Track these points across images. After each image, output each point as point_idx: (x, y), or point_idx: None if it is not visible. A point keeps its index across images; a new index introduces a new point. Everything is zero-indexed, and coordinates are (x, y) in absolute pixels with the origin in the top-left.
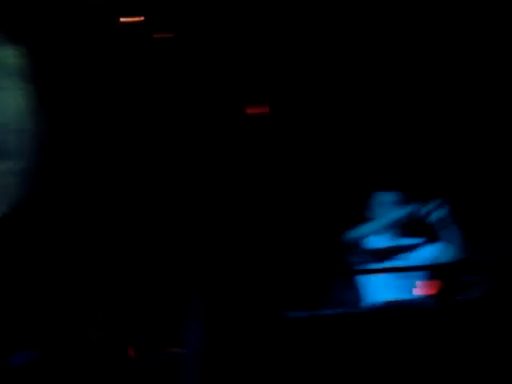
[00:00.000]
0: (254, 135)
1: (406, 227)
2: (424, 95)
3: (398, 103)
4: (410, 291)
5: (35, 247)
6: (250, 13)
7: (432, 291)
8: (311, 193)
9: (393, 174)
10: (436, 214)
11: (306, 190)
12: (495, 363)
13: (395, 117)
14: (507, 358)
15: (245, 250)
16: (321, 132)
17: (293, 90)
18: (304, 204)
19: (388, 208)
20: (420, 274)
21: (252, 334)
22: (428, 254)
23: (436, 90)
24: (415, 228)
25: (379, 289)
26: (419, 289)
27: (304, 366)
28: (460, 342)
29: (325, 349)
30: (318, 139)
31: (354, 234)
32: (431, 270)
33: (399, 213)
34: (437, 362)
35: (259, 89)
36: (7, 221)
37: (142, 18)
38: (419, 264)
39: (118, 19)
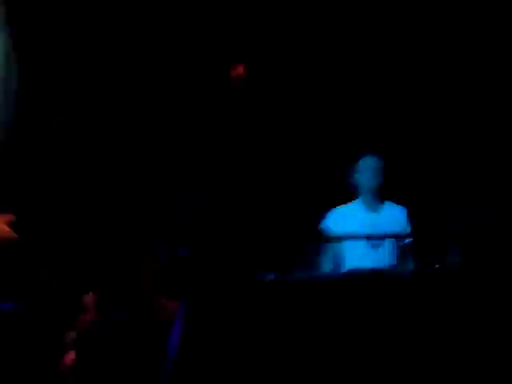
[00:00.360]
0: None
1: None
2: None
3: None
4: (382, 261)
5: None
6: None
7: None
8: (287, 161)
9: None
10: None
11: (280, 158)
12: (463, 330)
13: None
14: (472, 324)
15: (220, 218)
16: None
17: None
18: (279, 171)
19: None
20: (391, 243)
21: (227, 296)
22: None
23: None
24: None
25: (352, 257)
26: (390, 258)
27: (277, 328)
28: (428, 310)
29: (297, 312)
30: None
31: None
32: (401, 239)
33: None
34: (406, 329)
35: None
36: None
37: None
38: (390, 233)
39: None
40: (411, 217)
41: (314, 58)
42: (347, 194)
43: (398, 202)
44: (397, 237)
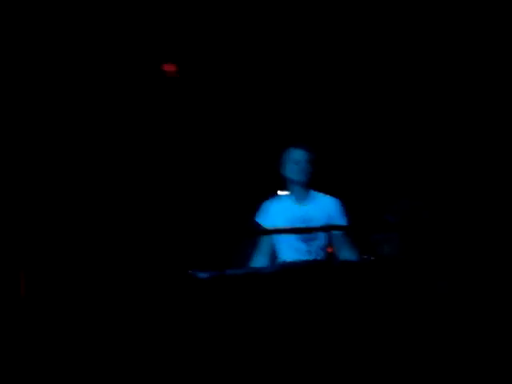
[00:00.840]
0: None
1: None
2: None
3: None
4: (316, 253)
5: None
6: None
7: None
8: (223, 155)
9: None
10: None
11: (212, 153)
12: (401, 318)
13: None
14: (410, 313)
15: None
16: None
17: None
18: (215, 166)
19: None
20: (323, 235)
21: (163, 292)
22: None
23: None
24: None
25: (285, 251)
26: (323, 251)
27: (212, 323)
28: (367, 299)
29: (231, 307)
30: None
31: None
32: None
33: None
34: (343, 318)
35: None
36: None
37: None
38: (321, 225)
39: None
40: (349, 208)
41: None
42: (281, 186)
43: (336, 194)
44: (327, 229)
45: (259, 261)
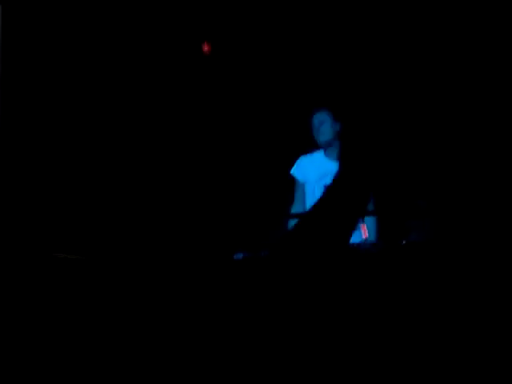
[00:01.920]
0: None
1: None
2: None
3: None
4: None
5: None
6: None
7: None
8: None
9: None
10: None
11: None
12: (432, 306)
13: None
14: (442, 300)
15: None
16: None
17: None
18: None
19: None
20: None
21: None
22: None
23: None
24: None
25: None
26: (359, 232)
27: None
28: (398, 285)
29: (261, 290)
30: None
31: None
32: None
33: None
34: (375, 305)
35: None
36: None
37: None
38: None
39: None
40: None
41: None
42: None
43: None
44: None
45: (297, 208)
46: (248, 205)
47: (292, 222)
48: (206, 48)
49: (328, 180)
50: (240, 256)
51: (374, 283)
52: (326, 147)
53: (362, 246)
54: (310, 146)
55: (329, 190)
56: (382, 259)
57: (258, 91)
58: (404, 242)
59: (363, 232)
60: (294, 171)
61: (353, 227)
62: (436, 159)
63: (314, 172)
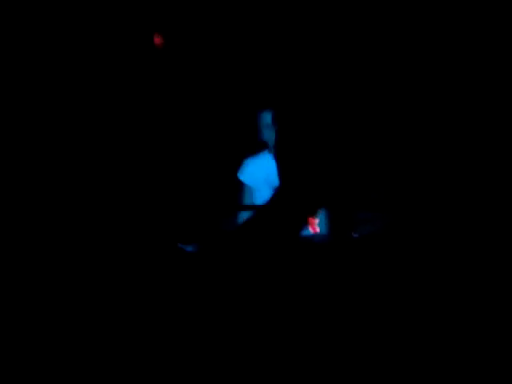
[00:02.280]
0: None
1: None
2: None
3: None
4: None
5: None
6: None
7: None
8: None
9: None
10: None
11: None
12: (383, 299)
13: None
14: (393, 294)
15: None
16: None
17: None
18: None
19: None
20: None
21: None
22: None
23: None
24: None
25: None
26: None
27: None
28: (348, 276)
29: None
30: None
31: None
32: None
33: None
34: (325, 296)
35: None
36: None
37: None
38: None
39: None
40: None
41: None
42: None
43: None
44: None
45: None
46: (196, 197)
47: (241, 215)
48: (157, 41)
49: (276, 182)
50: (190, 248)
51: (324, 277)
52: (272, 148)
53: (312, 240)
54: (256, 147)
55: (277, 192)
56: (333, 253)
57: (204, 89)
58: (356, 235)
59: (313, 227)
60: (241, 175)
61: (303, 223)
62: (387, 152)
63: (262, 174)
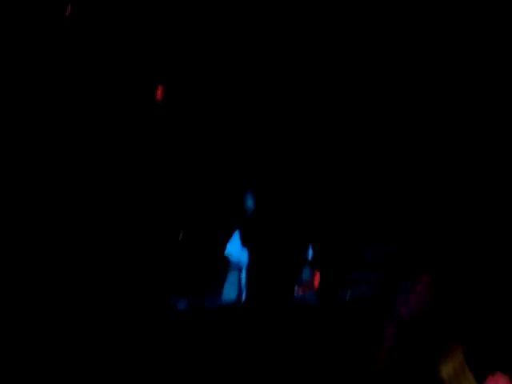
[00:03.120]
0: None
1: None
2: None
3: None
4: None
5: None
6: None
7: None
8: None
9: None
10: None
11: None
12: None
13: None
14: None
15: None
16: None
17: None
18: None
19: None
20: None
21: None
22: None
23: None
24: None
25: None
26: (301, 287)
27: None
28: (337, 337)
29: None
30: None
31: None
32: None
33: None
34: (312, 354)
35: None
36: None
37: None
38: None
39: None
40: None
41: None
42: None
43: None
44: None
45: (229, 292)
46: (188, 252)
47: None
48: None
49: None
50: (183, 304)
51: (314, 339)
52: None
53: (302, 301)
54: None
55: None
56: (323, 316)
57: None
58: (348, 297)
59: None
60: (229, 252)
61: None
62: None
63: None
